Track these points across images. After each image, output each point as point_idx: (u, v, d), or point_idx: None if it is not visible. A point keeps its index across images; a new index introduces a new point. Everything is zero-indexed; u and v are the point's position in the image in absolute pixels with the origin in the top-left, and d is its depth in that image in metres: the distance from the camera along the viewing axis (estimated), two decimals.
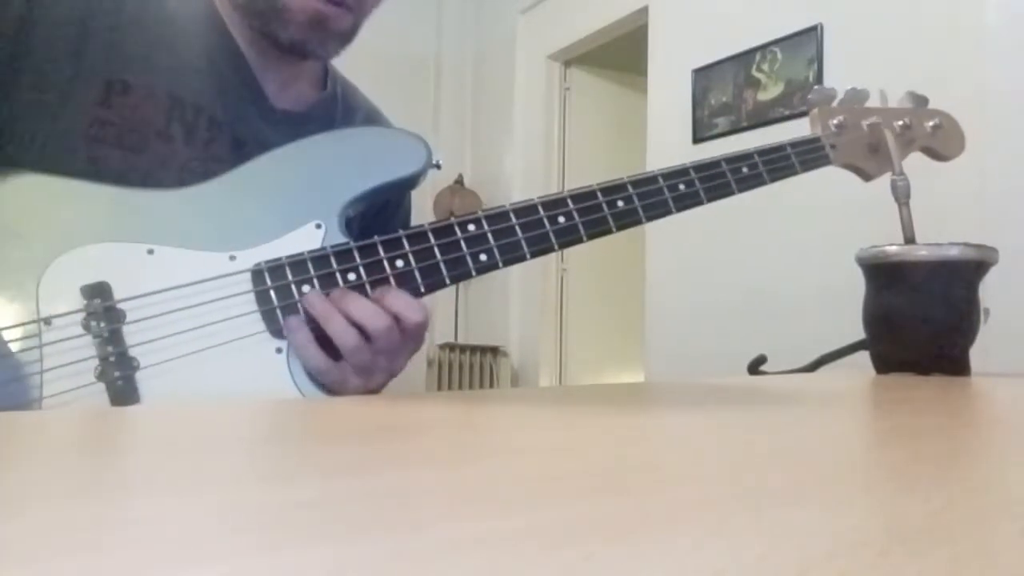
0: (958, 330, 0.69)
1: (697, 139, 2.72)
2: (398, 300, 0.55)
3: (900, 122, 0.78)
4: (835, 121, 0.76)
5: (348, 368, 0.55)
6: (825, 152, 0.74)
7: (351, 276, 0.55)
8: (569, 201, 0.61)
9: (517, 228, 0.59)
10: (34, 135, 0.55)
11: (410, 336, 0.56)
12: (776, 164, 0.70)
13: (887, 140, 0.73)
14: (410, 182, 0.61)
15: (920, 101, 0.81)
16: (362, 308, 0.54)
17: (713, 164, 0.67)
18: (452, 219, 0.58)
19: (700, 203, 0.66)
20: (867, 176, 0.77)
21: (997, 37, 1.87)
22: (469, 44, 4.11)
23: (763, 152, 0.70)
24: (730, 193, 0.67)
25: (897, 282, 0.69)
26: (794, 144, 0.72)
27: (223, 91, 0.63)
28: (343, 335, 0.53)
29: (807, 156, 0.73)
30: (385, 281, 0.56)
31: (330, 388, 0.55)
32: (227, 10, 0.64)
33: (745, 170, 0.68)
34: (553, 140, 3.65)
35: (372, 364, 0.55)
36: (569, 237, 0.60)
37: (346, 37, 0.64)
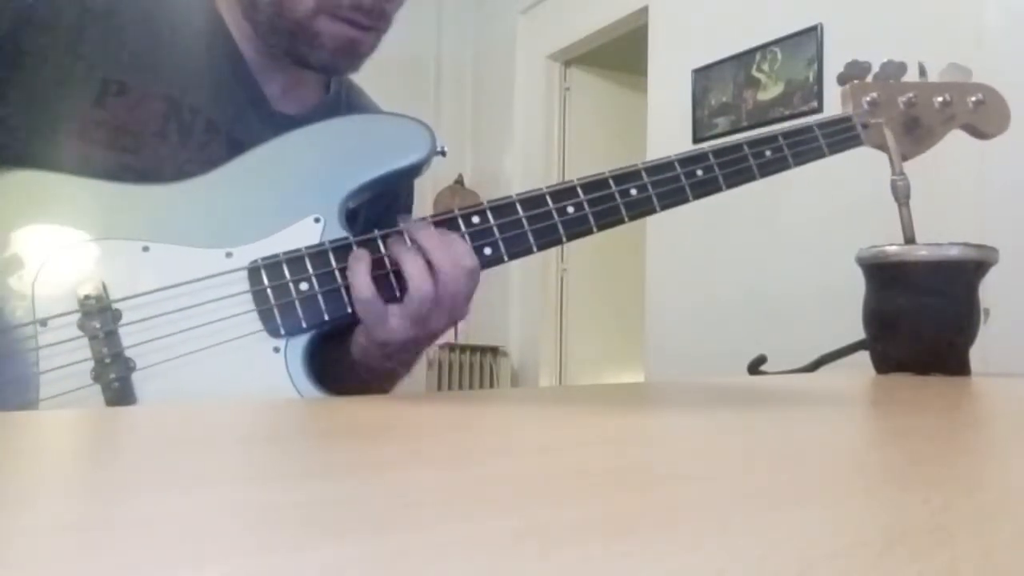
0: (958, 330, 0.69)
1: (697, 139, 2.72)
2: (461, 248, 0.55)
3: (940, 98, 0.74)
4: (868, 98, 0.71)
5: (397, 311, 0.54)
6: (856, 132, 0.70)
7: None
8: (579, 190, 0.59)
9: (524, 220, 0.57)
10: (28, 134, 0.55)
11: (466, 288, 0.56)
12: (802, 147, 0.67)
13: (888, 139, 0.72)
14: (414, 170, 0.59)
15: (963, 74, 0.76)
16: (439, 250, 0.54)
17: (734, 147, 0.64)
18: (456, 211, 0.57)
19: (719, 189, 0.63)
20: (902, 158, 0.72)
21: (997, 37, 1.87)
22: (469, 44, 4.11)
23: (788, 134, 0.66)
24: (751, 179, 0.64)
25: (897, 282, 0.69)
26: (822, 124, 0.69)
27: (221, 94, 0.62)
28: (421, 281, 0.53)
29: (836, 137, 0.69)
30: (385, 277, 0.55)
31: (370, 328, 0.55)
32: (232, 15, 0.64)
33: (768, 153, 0.65)
34: (553, 140, 3.65)
35: (430, 319, 0.55)
36: (578, 228, 0.58)
37: (369, 53, 0.64)
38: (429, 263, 0.54)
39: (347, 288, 0.54)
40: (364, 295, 0.53)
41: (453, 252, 0.54)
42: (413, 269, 0.53)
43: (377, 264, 0.54)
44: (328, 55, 0.61)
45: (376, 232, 0.56)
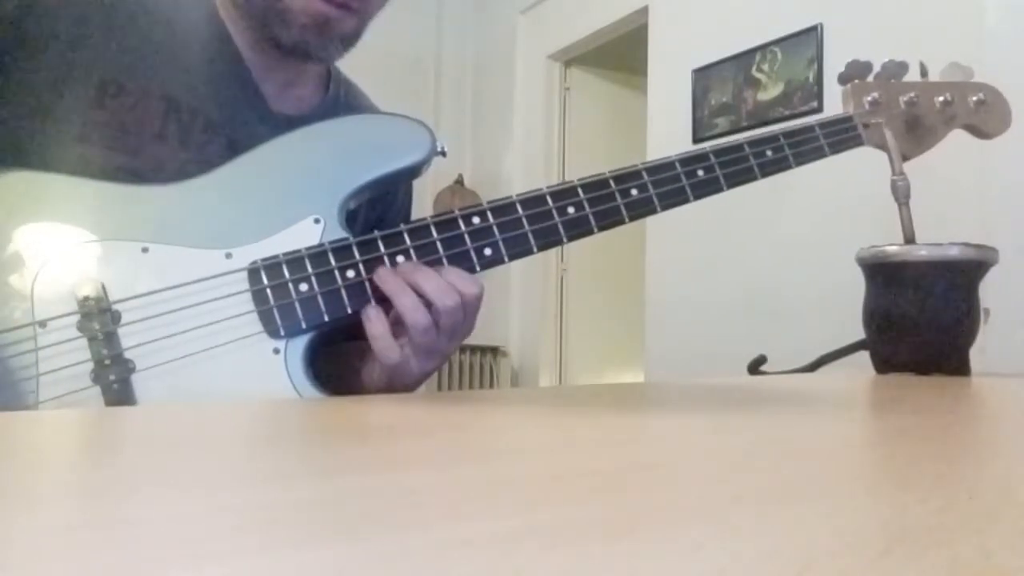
0: (958, 330, 0.69)
1: (697, 139, 2.71)
2: (455, 275, 0.55)
3: (941, 98, 0.74)
4: (869, 98, 0.71)
5: (409, 351, 0.55)
6: (857, 132, 0.70)
7: (350, 273, 0.55)
8: (579, 190, 0.58)
9: (524, 220, 0.57)
10: (28, 135, 0.55)
11: (468, 314, 0.55)
12: (803, 146, 0.66)
13: (888, 139, 0.72)
14: (414, 171, 0.59)
15: (964, 73, 0.76)
16: (433, 283, 0.53)
17: (735, 147, 0.64)
18: (456, 212, 0.57)
19: (720, 190, 0.63)
20: (903, 158, 0.72)
21: (997, 37, 1.87)
22: (469, 44, 4.10)
23: (789, 134, 0.66)
24: (752, 179, 0.64)
25: (897, 282, 0.69)
26: (823, 124, 0.69)
27: (220, 94, 0.62)
28: (415, 313, 0.53)
29: (838, 137, 0.69)
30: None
31: (392, 379, 0.56)
32: (228, 12, 0.64)
33: (770, 153, 0.65)
34: (553, 140, 3.64)
35: (435, 345, 0.55)
36: (579, 229, 0.58)
37: (350, 40, 0.63)
38: (422, 296, 0.54)
39: (347, 288, 0.54)
40: (395, 358, 0.54)
41: (445, 281, 0.54)
42: (405, 303, 0.53)
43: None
44: (298, 32, 0.60)
45: (376, 233, 0.56)
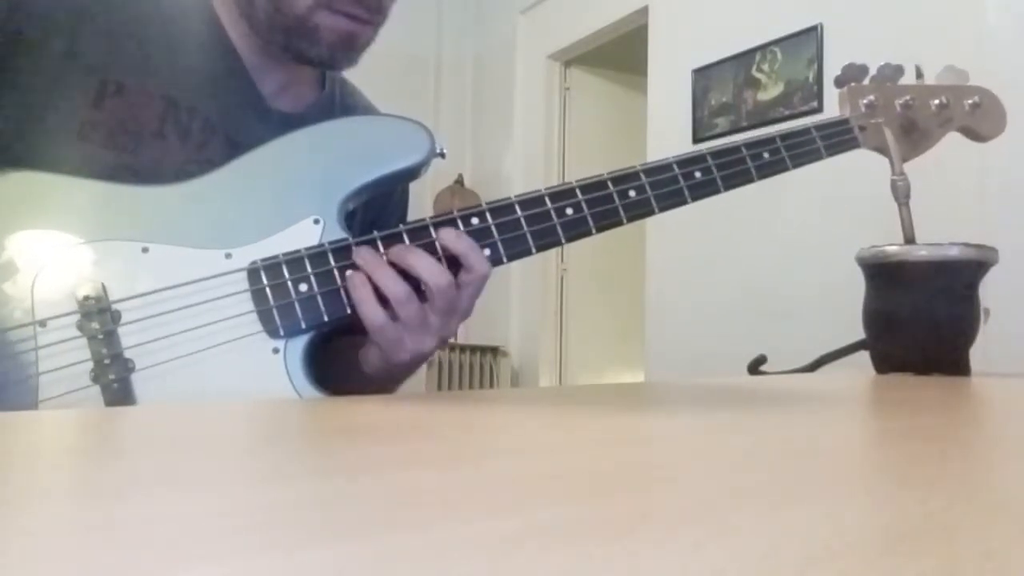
0: (958, 330, 0.69)
1: (697, 139, 2.72)
2: (465, 245, 0.55)
3: (936, 101, 0.74)
4: (866, 101, 0.72)
5: (402, 326, 0.54)
6: (854, 135, 0.71)
7: (349, 273, 0.55)
8: (578, 191, 0.59)
9: (522, 221, 0.57)
10: (27, 135, 0.55)
11: (469, 295, 0.56)
12: (800, 149, 0.67)
13: (888, 140, 0.72)
14: (413, 172, 0.59)
15: (959, 76, 0.76)
16: (425, 263, 0.54)
17: (732, 149, 0.64)
18: (455, 212, 0.57)
19: (717, 191, 0.63)
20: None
21: (997, 37, 1.87)
22: (469, 44, 4.11)
23: (786, 136, 0.67)
24: (749, 180, 0.64)
25: (897, 282, 0.69)
26: (820, 126, 0.69)
27: (218, 93, 0.62)
28: (392, 284, 0.53)
29: (834, 139, 0.69)
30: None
31: (386, 351, 0.55)
32: (229, 14, 0.64)
33: (766, 155, 0.65)
34: (553, 140, 3.65)
35: (428, 321, 0.55)
36: (577, 230, 0.58)
37: (367, 47, 0.64)
38: (415, 276, 0.54)
39: (346, 289, 0.54)
40: (379, 321, 0.54)
41: (437, 262, 0.54)
42: (381, 276, 0.53)
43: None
44: (326, 49, 0.61)
45: (375, 233, 0.56)
